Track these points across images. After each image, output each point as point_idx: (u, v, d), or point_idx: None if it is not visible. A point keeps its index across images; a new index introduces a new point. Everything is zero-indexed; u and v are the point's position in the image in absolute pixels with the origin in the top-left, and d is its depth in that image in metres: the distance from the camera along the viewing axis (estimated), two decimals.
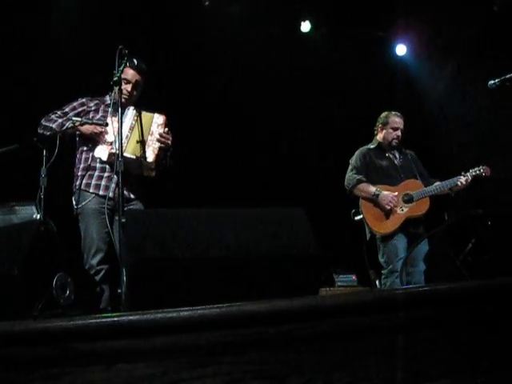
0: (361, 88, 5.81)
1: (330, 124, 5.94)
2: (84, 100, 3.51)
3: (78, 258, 3.24)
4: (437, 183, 4.09)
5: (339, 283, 4.91)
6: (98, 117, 3.42)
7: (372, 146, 4.27)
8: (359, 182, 4.11)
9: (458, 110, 5.79)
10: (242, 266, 2.22)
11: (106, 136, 3.31)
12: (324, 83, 5.92)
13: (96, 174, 3.37)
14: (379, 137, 4.27)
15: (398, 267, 3.82)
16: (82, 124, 3.31)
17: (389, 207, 3.97)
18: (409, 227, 3.99)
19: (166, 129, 3.40)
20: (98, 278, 3.20)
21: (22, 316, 2.27)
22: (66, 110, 3.45)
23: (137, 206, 3.39)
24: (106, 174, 3.36)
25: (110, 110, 3.35)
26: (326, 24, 6.02)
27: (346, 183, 4.20)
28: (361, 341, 1.39)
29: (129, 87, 3.44)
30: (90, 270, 3.20)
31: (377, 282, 4.57)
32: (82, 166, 3.41)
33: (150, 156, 3.31)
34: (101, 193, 3.32)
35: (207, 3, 5.53)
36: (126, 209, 2.88)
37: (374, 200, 4.03)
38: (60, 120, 3.36)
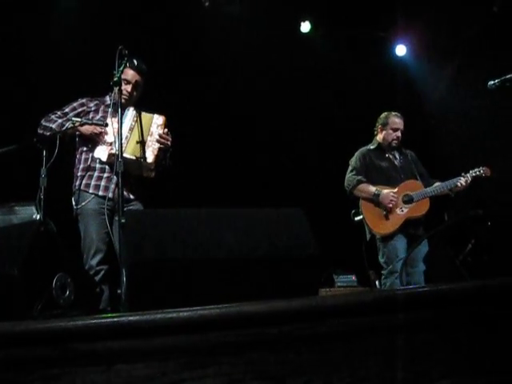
0: (361, 88, 5.80)
1: (330, 124, 5.93)
2: (84, 100, 3.51)
3: (78, 258, 3.24)
4: (437, 184, 4.08)
5: (339, 284, 4.92)
6: (97, 117, 3.42)
7: (372, 147, 4.27)
8: (359, 182, 4.11)
9: (458, 110, 5.78)
10: (241, 267, 2.22)
11: (105, 136, 3.31)
12: (324, 83, 5.91)
13: (96, 174, 3.37)
14: (379, 137, 4.26)
15: (398, 268, 3.82)
16: (82, 124, 3.31)
17: (391, 205, 3.97)
18: (409, 228, 3.98)
19: (166, 129, 3.40)
20: (97, 278, 3.20)
21: (22, 316, 2.27)
22: (66, 110, 3.45)
23: (136, 206, 3.39)
24: (105, 175, 3.36)
25: (109, 110, 3.35)
26: (326, 24, 6.02)
27: (345, 184, 4.19)
28: (361, 341, 1.39)
29: (129, 88, 3.44)
30: (89, 270, 3.20)
31: (377, 283, 4.58)
32: (81, 166, 3.41)
33: (150, 157, 3.31)
34: (100, 193, 3.32)
35: (207, 4, 5.54)
36: (125, 209, 2.88)
37: (375, 200, 4.03)
38: (60, 120, 3.36)
